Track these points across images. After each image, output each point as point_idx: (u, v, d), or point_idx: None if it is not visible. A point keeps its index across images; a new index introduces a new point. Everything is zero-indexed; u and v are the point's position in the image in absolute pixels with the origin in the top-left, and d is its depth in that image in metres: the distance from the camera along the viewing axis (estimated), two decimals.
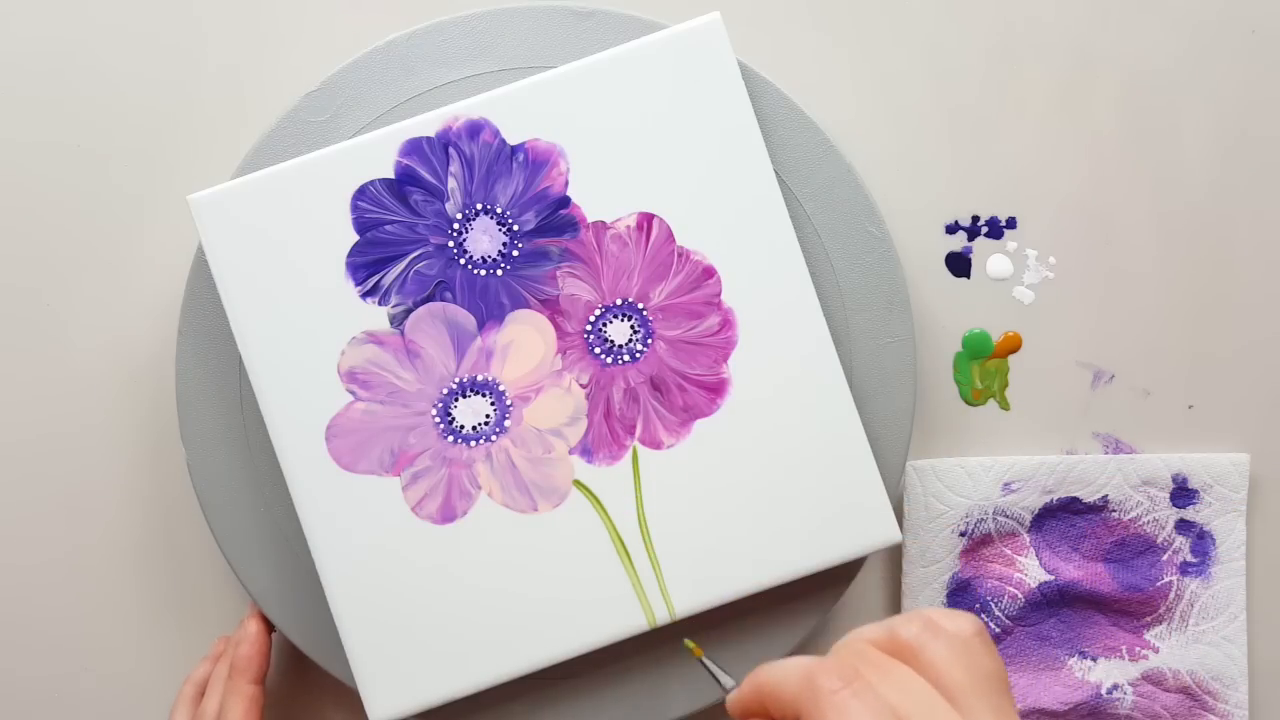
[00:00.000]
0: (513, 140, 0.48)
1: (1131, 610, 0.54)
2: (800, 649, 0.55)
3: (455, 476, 0.47)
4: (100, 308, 0.55)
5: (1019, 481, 0.54)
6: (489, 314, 0.48)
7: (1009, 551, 0.54)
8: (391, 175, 0.47)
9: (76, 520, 0.55)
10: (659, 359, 0.48)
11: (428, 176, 0.48)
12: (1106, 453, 0.55)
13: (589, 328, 0.48)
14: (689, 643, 0.39)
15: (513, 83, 0.48)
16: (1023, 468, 0.54)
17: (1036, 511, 0.54)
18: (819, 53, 0.54)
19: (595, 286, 0.48)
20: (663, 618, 0.48)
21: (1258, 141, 0.55)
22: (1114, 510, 0.54)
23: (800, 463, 0.48)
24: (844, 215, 0.50)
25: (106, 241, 0.55)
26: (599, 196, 0.48)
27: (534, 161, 0.48)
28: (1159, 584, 0.54)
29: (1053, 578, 0.54)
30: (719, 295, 0.48)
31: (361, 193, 0.47)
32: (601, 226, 0.48)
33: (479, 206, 0.48)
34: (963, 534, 0.54)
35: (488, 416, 0.48)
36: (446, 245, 0.48)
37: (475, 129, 0.47)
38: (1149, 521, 0.54)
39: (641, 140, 0.48)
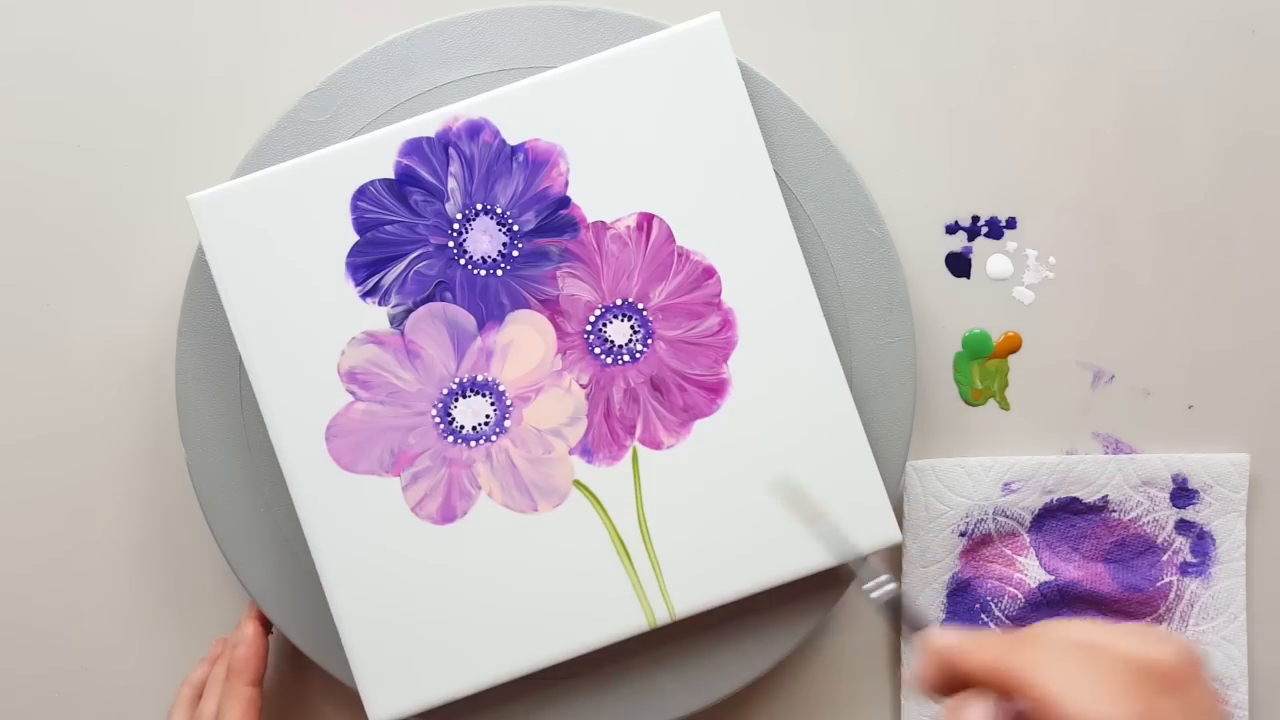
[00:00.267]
0: (513, 140, 0.48)
1: (1131, 610, 0.54)
2: (800, 649, 0.55)
3: (455, 476, 0.47)
4: (100, 308, 0.55)
5: (1019, 481, 0.54)
6: (489, 314, 0.48)
7: (1009, 551, 0.54)
8: (391, 175, 0.47)
9: (76, 520, 0.55)
10: (659, 359, 0.48)
11: (428, 177, 0.48)
12: (1106, 453, 0.55)
13: (589, 328, 0.48)
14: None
15: (513, 83, 0.48)
16: (1023, 468, 0.54)
17: (1036, 511, 0.54)
18: (819, 53, 0.54)
19: (595, 287, 0.48)
20: (663, 618, 0.48)
21: (1258, 141, 0.55)
22: (1114, 510, 0.54)
23: (800, 463, 0.48)
24: (844, 215, 0.50)
25: (106, 241, 0.55)
26: (599, 196, 0.48)
27: (534, 161, 0.48)
28: (1159, 584, 0.54)
29: (1053, 578, 0.54)
30: (719, 295, 0.48)
31: (361, 193, 0.47)
32: (601, 226, 0.48)
33: (479, 207, 0.48)
34: (963, 534, 0.54)
35: (488, 416, 0.48)
36: (446, 245, 0.48)
37: (475, 129, 0.47)
38: (1149, 522, 0.54)
39: (641, 140, 0.48)
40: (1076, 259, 0.55)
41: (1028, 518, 0.54)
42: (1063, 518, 0.54)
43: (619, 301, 0.48)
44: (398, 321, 0.48)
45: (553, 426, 0.48)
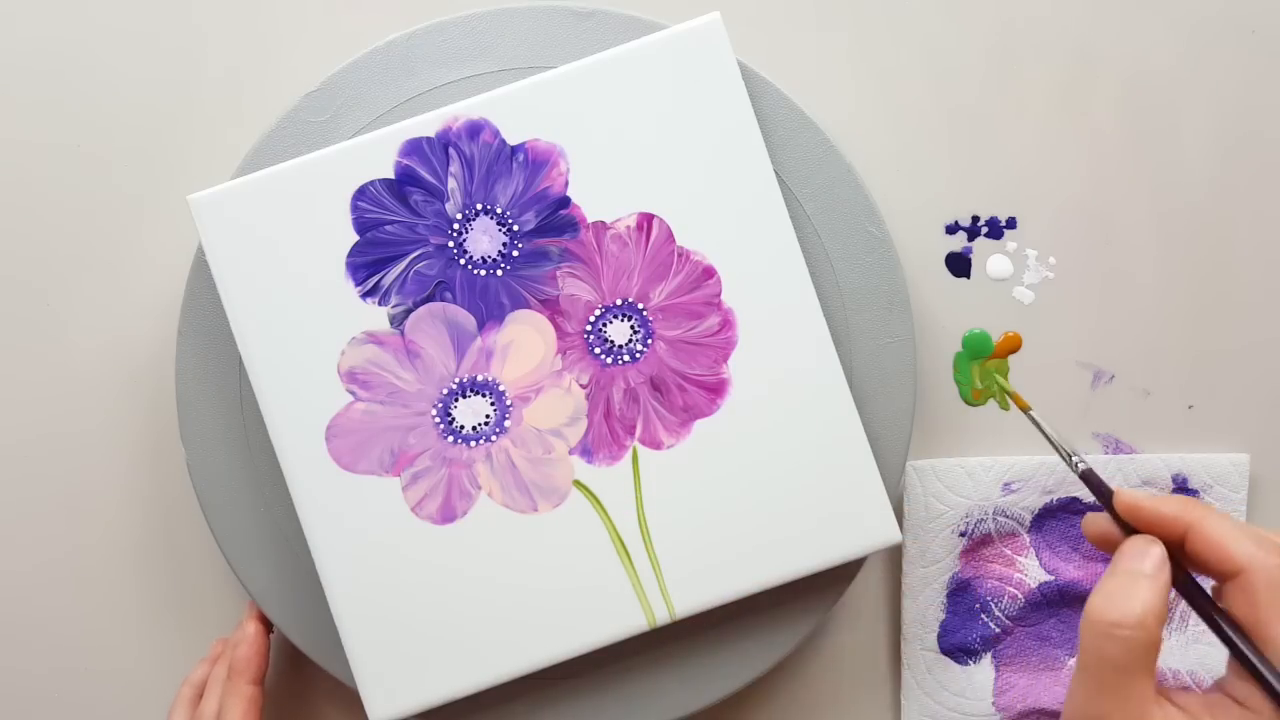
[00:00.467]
0: (513, 140, 0.48)
1: None
2: (800, 649, 0.55)
3: (455, 476, 0.47)
4: (100, 308, 0.55)
5: (1019, 481, 0.54)
6: (489, 314, 0.48)
7: (1009, 551, 0.54)
8: (391, 175, 0.47)
9: (76, 520, 0.55)
10: (659, 359, 0.48)
11: (428, 177, 0.48)
12: (1106, 453, 0.55)
13: (589, 328, 0.48)
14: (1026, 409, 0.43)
15: (513, 83, 0.48)
16: (1023, 468, 0.54)
17: (1036, 512, 0.54)
18: (819, 53, 0.54)
19: (595, 286, 0.48)
20: (663, 618, 0.48)
21: (1258, 141, 0.55)
22: None
23: (800, 463, 0.48)
24: (844, 215, 0.50)
25: (106, 241, 0.55)
26: (599, 196, 0.48)
27: (534, 161, 0.48)
28: None
29: (1053, 578, 0.54)
30: (719, 295, 0.48)
31: (361, 193, 0.47)
32: (601, 226, 0.48)
33: (479, 206, 0.48)
34: (963, 534, 0.54)
35: (488, 416, 0.48)
36: (446, 245, 0.48)
37: (475, 129, 0.47)
38: None
39: (641, 140, 0.48)
40: (1076, 259, 0.55)
41: (1028, 518, 0.54)
42: (1063, 518, 0.54)
43: (619, 301, 0.48)
44: (398, 321, 0.48)
45: (553, 426, 0.48)
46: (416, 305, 0.48)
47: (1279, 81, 0.55)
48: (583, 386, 0.48)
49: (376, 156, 0.47)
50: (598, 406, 0.48)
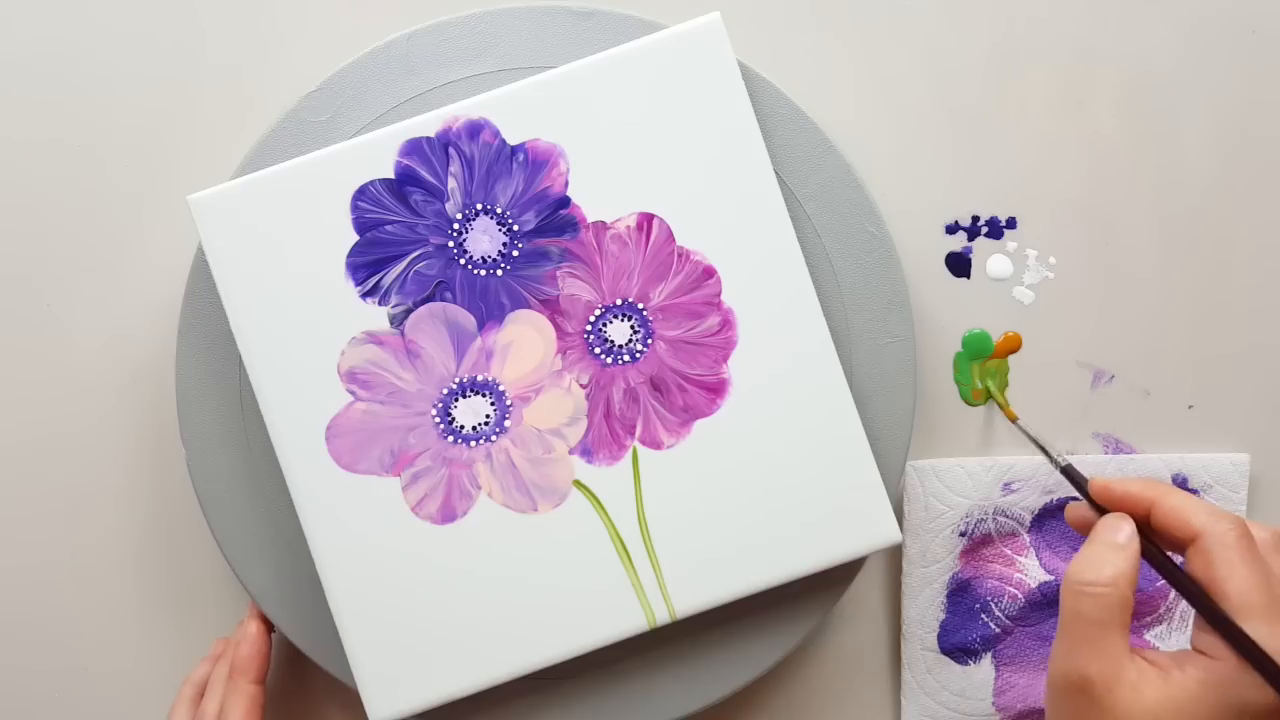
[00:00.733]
0: (513, 140, 0.48)
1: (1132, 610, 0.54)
2: (800, 649, 0.55)
3: (455, 476, 0.47)
4: (100, 308, 0.55)
5: (1019, 482, 0.54)
6: (489, 314, 0.48)
7: (1009, 551, 0.54)
8: (391, 175, 0.47)
9: (76, 520, 0.55)
10: (659, 359, 0.48)
11: (428, 176, 0.48)
12: (1106, 453, 0.55)
13: (589, 328, 0.48)
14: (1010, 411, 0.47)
15: (513, 83, 0.48)
16: (1023, 468, 0.54)
17: (1036, 512, 0.54)
18: (819, 53, 0.54)
19: (595, 286, 0.48)
20: (663, 618, 0.48)
21: (1258, 142, 0.55)
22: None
23: (800, 463, 0.48)
24: (844, 215, 0.50)
25: (106, 241, 0.55)
26: (599, 196, 0.48)
27: (534, 161, 0.48)
28: (1159, 584, 0.54)
29: (1053, 578, 0.54)
30: (719, 295, 0.48)
31: (361, 193, 0.47)
32: (601, 226, 0.48)
33: (479, 206, 0.48)
34: (963, 534, 0.54)
35: (488, 416, 0.48)
36: (446, 245, 0.48)
37: (475, 129, 0.48)
38: None
39: (641, 140, 0.48)
40: (1076, 259, 0.55)
41: (1028, 518, 0.54)
42: (1062, 518, 0.54)
43: (619, 301, 0.48)
44: (398, 321, 0.48)
45: (553, 426, 0.48)
46: (416, 305, 0.48)
47: (1279, 81, 0.55)
48: (583, 386, 0.48)
49: (376, 156, 0.47)
50: (598, 406, 0.48)
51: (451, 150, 0.48)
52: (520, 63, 0.50)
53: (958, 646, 0.54)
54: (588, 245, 0.48)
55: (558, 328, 0.48)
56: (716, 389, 0.48)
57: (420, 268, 0.48)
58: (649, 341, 0.48)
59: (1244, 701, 0.36)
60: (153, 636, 0.55)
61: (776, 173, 0.49)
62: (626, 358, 0.48)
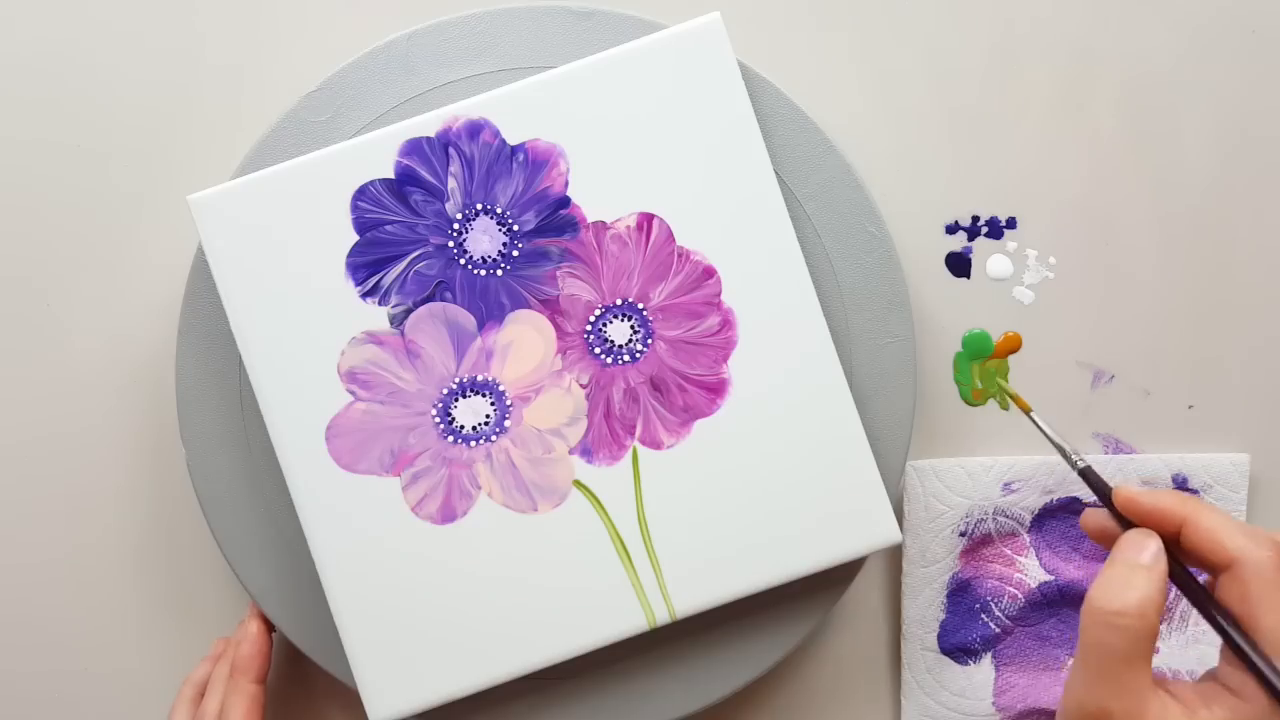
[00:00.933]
0: (513, 140, 0.48)
1: None
2: (800, 649, 0.55)
3: (455, 476, 0.47)
4: (100, 308, 0.55)
5: (1019, 481, 0.54)
6: (489, 314, 0.48)
7: (1009, 551, 0.54)
8: (391, 175, 0.47)
9: (76, 520, 0.55)
10: (659, 359, 0.48)
11: (428, 176, 0.48)
12: (1106, 453, 0.55)
13: (589, 328, 0.48)
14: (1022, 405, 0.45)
15: (513, 83, 0.48)
16: (1023, 468, 0.54)
17: (1036, 512, 0.54)
18: (819, 53, 0.54)
19: (595, 286, 0.48)
20: (663, 618, 0.48)
21: (1258, 142, 0.55)
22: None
23: (800, 463, 0.48)
24: (844, 215, 0.50)
25: (106, 241, 0.55)
26: (599, 196, 0.48)
27: (534, 161, 0.48)
28: None
29: (1053, 578, 0.54)
30: (719, 295, 0.48)
31: (361, 193, 0.47)
32: (601, 226, 0.48)
33: (479, 206, 0.48)
34: (963, 534, 0.54)
35: (488, 416, 0.48)
36: (446, 245, 0.48)
37: (475, 129, 0.48)
38: None
39: (641, 140, 0.48)
40: (1076, 259, 0.55)
41: (1028, 518, 0.54)
42: (1063, 518, 0.54)
43: (619, 301, 0.48)
44: (398, 321, 0.48)
45: (553, 426, 0.48)
46: (416, 305, 0.48)
47: (1279, 81, 0.55)
48: (583, 386, 0.48)
49: (376, 156, 0.47)
50: (598, 406, 0.48)
51: (451, 150, 0.48)
52: (520, 63, 0.50)
53: (958, 646, 0.54)
54: (588, 245, 0.48)
55: (558, 328, 0.48)
56: (716, 389, 0.48)
57: (420, 268, 0.48)
58: (649, 341, 0.48)
59: None
60: (153, 636, 0.55)
61: (776, 173, 0.49)
62: (626, 358, 0.48)
